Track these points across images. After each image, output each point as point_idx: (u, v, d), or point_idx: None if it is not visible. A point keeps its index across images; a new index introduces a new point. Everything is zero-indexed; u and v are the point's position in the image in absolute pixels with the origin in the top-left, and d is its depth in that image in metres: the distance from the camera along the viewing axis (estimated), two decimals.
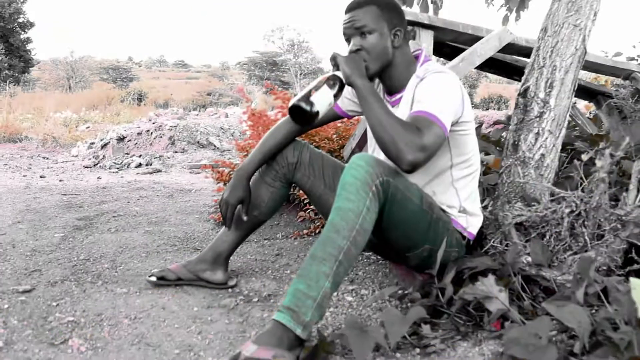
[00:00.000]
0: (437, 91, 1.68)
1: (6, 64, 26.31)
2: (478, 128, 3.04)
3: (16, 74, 27.31)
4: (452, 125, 1.73)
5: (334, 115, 2.10)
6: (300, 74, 39.81)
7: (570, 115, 3.57)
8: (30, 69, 30.62)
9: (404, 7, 2.72)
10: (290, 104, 1.62)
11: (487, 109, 22.06)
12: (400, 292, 1.89)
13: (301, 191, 2.41)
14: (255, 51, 41.86)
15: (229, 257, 2.16)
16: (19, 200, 4.15)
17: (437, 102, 1.63)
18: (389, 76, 1.85)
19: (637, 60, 4.20)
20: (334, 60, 1.73)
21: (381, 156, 1.94)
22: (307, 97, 1.60)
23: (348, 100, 2.05)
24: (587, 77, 5.34)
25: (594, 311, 1.54)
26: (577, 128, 3.30)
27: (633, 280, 1.21)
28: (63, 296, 2.00)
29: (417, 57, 1.88)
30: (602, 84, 4.41)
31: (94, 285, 2.13)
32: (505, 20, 4.47)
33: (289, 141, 2.08)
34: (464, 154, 1.84)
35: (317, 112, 1.61)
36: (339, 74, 1.69)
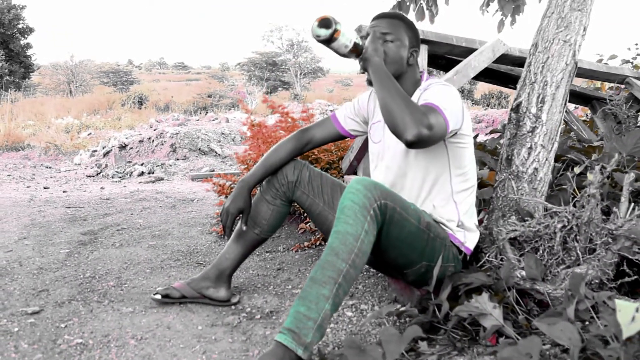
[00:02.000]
0: (441, 94, 1.77)
1: (7, 70, 26.38)
2: (474, 138, 3.09)
3: (17, 80, 27.39)
4: (451, 136, 1.81)
5: (337, 135, 2.17)
6: (301, 74, 39.86)
7: (565, 121, 3.63)
8: (31, 74, 30.71)
9: None
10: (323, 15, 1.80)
11: (487, 105, 22.06)
12: (398, 308, 1.93)
13: None
14: (254, 52, 41.94)
15: (231, 274, 2.21)
16: (23, 214, 4.21)
17: (442, 99, 1.73)
18: None
19: (632, 62, 4.24)
20: (365, 32, 1.91)
21: (381, 173, 2.01)
22: (336, 21, 1.78)
23: (351, 119, 2.13)
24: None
25: (587, 323, 1.59)
26: (572, 133, 3.34)
27: (618, 302, 1.26)
28: (71, 317, 2.05)
29: (421, 75, 2.01)
30: (597, 87, 4.44)
31: (100, 305, 2.19)
32: (501, 24, 4.50)
33: (290, 158, 2.15)
34: (462, 166, 1.90)
35: (337, 31, 1.77)
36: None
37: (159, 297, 2.16)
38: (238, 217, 2.14)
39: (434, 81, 1.92)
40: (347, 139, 3.22)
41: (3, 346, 1.79)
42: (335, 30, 1.77)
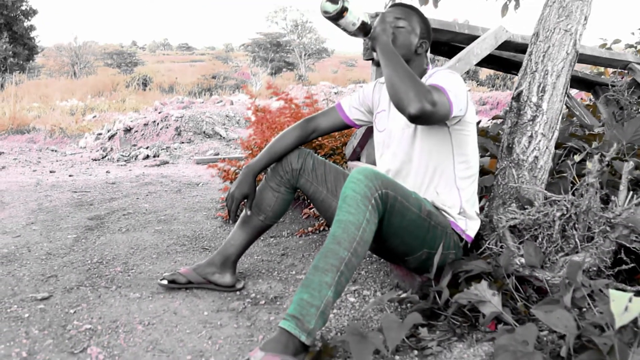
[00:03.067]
0: (446, 78, 1.81)
1: (11, 52, 26.32)
2: (477, 124, 3.10)
3: (21, 62, 27.34)
4: (455, 123, 1.86)
5: (342, 124, 2.21)
6: (305, 55, 39.68)
7: (568, 107, 3.64)
8: (35, 56, 30.63)
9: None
10: None
11: (492, 86, 21.95)
12: (399, 294, 1.98)
13: None
14: (258, 33, 41.68)
15: (236, 260, 2.25)
16: (30, 199, 4.26)
17: (446, 83, 1.77)
18: None
19: (635, 47, 4.23)
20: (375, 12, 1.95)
21: (388, 160, 2.04)
22: None
23: (355, 109, 2.17)
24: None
25: (584, 309, 1.63)
26: (574, 119, 3.35)
27: (612, 292, 1.29)
28: (79, 302, 2.10)
29: (427, 68, 2.05)
30: (601, 72, 4.44)
31: (108, 290, 2.23)
32: (505, 8, 4.48)
33: (295, 146, 2.19)
34: (465, 154, 1.94)
35: (346, 9, 1.79)
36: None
37: (165, 282, 2.21)
38: (243, 203, 2.18)
39: (440, 69, 1.97)
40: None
41: (14, 332, 1.84)
42: (344, 8, 1.78)
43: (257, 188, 2.20)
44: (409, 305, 2.01)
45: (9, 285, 2.29)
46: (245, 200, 2.16)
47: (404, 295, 1.92)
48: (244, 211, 2.22)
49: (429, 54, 2.65)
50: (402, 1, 3.38)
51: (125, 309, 2.04)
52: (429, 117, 1.65)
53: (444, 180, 1.95)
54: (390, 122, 2.04)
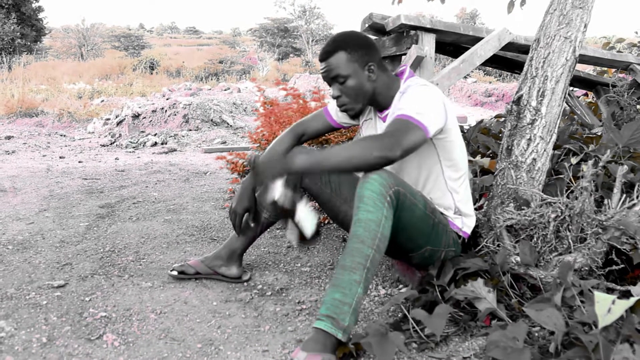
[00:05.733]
0: (416, 98, 1.84)
1: (18, 33, 26.37)
2: (479, 123, 3.18)
3: (29, 43, 27.40)
4: (437, 134, 1.89)
5: (329, 127, 2.28)
6: (312, 40, 39.59)
7: (569, 105, 3.71)
8: (43, 37, 30.67)
9: None
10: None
11: (499, 76, 21.88)
12: (414, 293, 2.03)
13: None
14: (266, 17, 41.61)
15: (242, 254, 2.35)
16: (42, 185, 4.36)
17: (416, 106, 1.79)
18: (375, 101, 2.02)
19: (639, 46, 4.28)
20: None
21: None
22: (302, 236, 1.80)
23: (342, 113, 2.20)
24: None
25: (575, 308, 1.72)
26: (575, 118, 3.42)
27: (597, 294, 1.38)
28: (94, 291, 2.20)
29: (402, 73, 2.04)
30: (604, 71, 4.49)
31: (121, 279, 2.33)
32: (511, 5, 4.53)
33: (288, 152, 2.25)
34: (452, 158, 1.99)
35: (319, 233, 1.83)
36: (278, 192, 1.74)
37: (175, 273, 2.31)
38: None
39: (414, 82, 1.95)
40: None
41: (34, 318, 1.94)
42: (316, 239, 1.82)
43: (262, 187, 2.27)
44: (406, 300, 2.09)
45: (26, 272, 2.40)
46: (248, 213, 2.23)
47: (417, 295, 1.97)
48: (244, 219, 2.27)
49: (432, 52, 2.72)
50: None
51: (138, 298, 2.14)
52: (403, 155, 1.71)
53: (436, 187, 2.01)
54: (379, 131, 2.07)
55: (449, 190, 2.01)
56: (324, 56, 1.95)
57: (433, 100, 1.84)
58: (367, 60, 1.93)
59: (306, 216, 1.78)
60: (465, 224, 2.07)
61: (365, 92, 1.96)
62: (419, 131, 1.74)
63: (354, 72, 1.92)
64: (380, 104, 2.02)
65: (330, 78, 1.95)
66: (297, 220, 1.76)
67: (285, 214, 1.75)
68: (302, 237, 1.79)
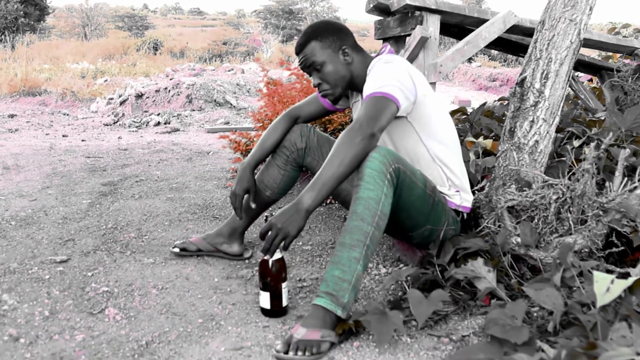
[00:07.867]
0: (377, 75, 1.87)
1: (22, 12, 26.26)
2: (482, 106, 3.18)
3: (32, 22, 27.29)
4: (411, 107, 1.91)
5: (324, 110, 2.30)
6: None
7: (573, 90, 3.69)
8: (46, 16, 30.54)
9: None
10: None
11: (504, 61, 21.78)
12: (417, 270, 2.04)
13: None
14: None
15: (244, 232, 2.36)
16: (45, 163, 4.37)
17: (377, 82, 1.83)
18: (354, 84, 2.06)
19: None
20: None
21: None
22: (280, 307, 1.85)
23: None
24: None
25: (574, 288, 1.73)
26: (579, 102, 3.41)
27: (596, 273, 1.39)
28: (96, 266, 2.22)
29: (380, 54, 2.07)
30: (609, 56, 4.47)
31: (123, 255, 2.35)
32: None
33: (284, 137, 2.28)
34: (432, 132, 2.00)
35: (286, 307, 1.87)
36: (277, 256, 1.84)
37: (177, 250, 2.33)
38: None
39: (378, 60, 1.99)
40: None
41: (37, 292, 1.96)
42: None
43: (264, 166, 2.29)
44: (408, 278, 2.10)
45: (28, 247, 2.41)
46: (248, 194, 2.23)
47: (418, 271, 1.98)
48: (245, 200, 2.27)
49: (437, 33, 2.70)
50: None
51: (139, 274, 2.15)
52: (382, 127, 1.75)
53: (423, 162, 2.02)
54: None
55: (436, 164, 2.02)
56: (299, 49, 2.02)
57: (395, 72, 1.87)
58: (339, 44, 2.01)
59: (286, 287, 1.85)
60: (464, 198, 2.08)
61: (343, 76, 2.02)
62: (386, 100, 1.78)
63: (329, 58, 2.00)
64: (360, 85, 2.05)
65: (308, 67, 2.02)
66: (283, 287, 1.83)
67: (276, 279, 1.81)
68: (276, 305, 1.83)
